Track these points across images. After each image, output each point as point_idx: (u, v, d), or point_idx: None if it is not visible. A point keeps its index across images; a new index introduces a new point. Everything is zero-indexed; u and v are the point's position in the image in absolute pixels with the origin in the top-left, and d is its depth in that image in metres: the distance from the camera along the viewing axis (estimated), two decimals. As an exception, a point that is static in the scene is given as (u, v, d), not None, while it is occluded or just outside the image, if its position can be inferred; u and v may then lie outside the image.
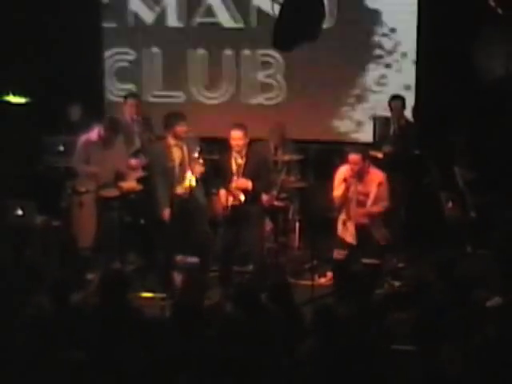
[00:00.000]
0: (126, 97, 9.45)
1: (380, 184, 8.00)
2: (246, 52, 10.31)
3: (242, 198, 7.99)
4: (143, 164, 8.85)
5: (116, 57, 10.59)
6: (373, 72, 10.03)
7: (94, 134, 8.54)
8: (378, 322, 5.89)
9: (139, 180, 8.71)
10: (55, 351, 5.10)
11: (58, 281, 6.06)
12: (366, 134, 9.89)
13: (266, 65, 10.26)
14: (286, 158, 9.23)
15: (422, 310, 6.09)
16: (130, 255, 8.77)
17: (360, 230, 7.97)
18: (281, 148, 9.31)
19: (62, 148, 9.24)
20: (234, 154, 8.05)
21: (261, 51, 10.19)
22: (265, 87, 10.30)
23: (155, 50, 10.52)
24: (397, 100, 9.23)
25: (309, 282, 8.17)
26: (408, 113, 9.45)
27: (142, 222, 8.88)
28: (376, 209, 8.03)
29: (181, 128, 8.05)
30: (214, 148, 9.36)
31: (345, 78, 10.10)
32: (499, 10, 7.59)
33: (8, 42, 9.75)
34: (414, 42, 9.69)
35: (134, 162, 8.82)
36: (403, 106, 9.25)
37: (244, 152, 7.99)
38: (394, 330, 5.66)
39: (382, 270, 8.08)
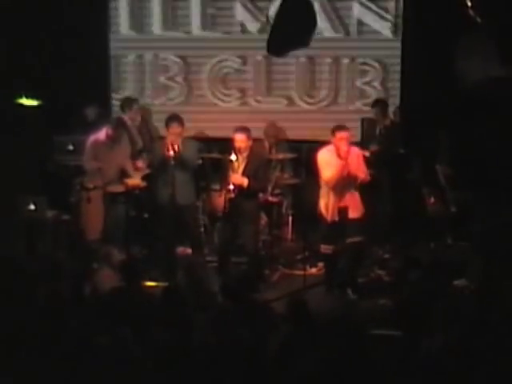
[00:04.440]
0: (125, 102, 9.40)
1: (358, 156, 7.91)
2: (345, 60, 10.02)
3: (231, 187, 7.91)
4: (146, 163, 8.83)
5: (221, 64, 10.19)
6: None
7: (102, 133, 8.57)
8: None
9: (143, 177, 8.72)
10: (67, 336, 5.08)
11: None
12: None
13: (364, 72, 9.98)
14: (280, 156, 9.26)
15: (405, 297, 6.10)
16: (134, 246, 8.77)
17: (344, 209, 7.84)
18: (275, 147, 9.34)
19: (71, 147, 9.23)
20: (237, 155, 8.01)
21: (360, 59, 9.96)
22: (363, 93, 9.97)
23: (259, 57, 10.05)
24: (379, 103, 9.25)
25: (301, 272, 8.19)
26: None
27: (146, 215, 8.87)
28: (363, 180, 7.89)
29: (173, 129, 8.06)
30: (214, 147, 9.38)
31: None
32: (478, 19, 7.57)
33: (20, 47, 9.71)
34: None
35: (139, 164, 8.79)
36: (385, 109, 9.25)
37: (246, 153, 7.97)
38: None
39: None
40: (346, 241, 7.76)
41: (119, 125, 8.62)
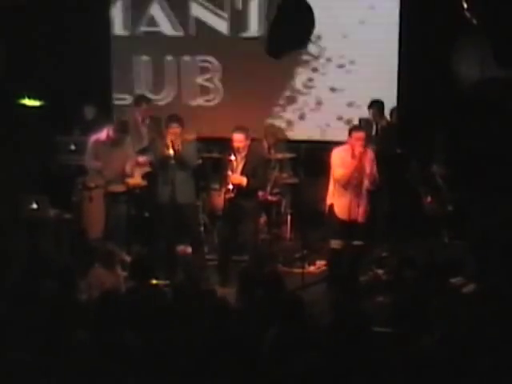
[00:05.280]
0: (137, 99, 9.41)
1: (373, 160, 7.86)
2: (186, 58, 10.28)
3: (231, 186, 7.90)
4: (149, 160, 8.82)
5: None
6: (301, 75, 10.09)
7: (104, 133, 8.56)
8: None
9: (144, 176, 8.71)
10: (65, 333, 5.05)
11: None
12: (295, 133, 10.02)
13: (204, 69, 10.24)
14: (279, 156, 9.26)
15: (402, 296, 6.08)
16: (135, 245, 8.77)
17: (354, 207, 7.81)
18: (274, 147, 9.33)
19: (73, 147, 9.24)
20: (236, 154, 7.99)
21: (199, 57, 10.20)
22: (203, 90, 10.27)
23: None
24: (375, 104, 9.21)
25: (299, 270, 8.18)
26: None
27: (147, 214, 8.86)
28: (372, 183, 7.85)
29: (173, 129, 8.03)
30: (214, 147, 9.37)
31: (276, 81, 10.12)
32: (474, 21, 7.57)
33: (24, 50, 9.69)
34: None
35: (141, 159, 8.79)
36: (382, 110, 9.22)
37: (244, 153, 7.96)
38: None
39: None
40: (351, 242, 7.76)
41: (121, 127, 8.60)
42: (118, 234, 8.45)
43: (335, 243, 7.83)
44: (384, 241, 8.88)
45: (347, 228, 7.75)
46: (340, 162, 7.76)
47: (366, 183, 7.79)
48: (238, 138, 7.91)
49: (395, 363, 4.82)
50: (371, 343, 4.88)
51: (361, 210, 7.77)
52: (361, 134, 7.74)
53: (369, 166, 7.77)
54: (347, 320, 5.04)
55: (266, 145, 9.32)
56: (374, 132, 9.21)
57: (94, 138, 8.59)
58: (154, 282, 7.73)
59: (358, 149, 7.69)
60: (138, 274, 6.17)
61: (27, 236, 8.31)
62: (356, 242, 7.71)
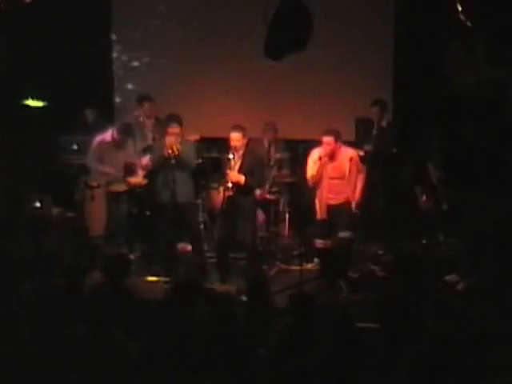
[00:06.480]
0: (141, 99, 9.41)
1: (351, 159, 7.86)
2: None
3: (229, 184, 7.94)
4: (151, 160, 8.83)
5: None
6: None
7: (108, 135, 8.57)
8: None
9: (145, 176, 8.73)
10: (65, 327, 5.07)
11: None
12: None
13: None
14: (278, 155, 9.26)
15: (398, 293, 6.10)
16: (136, 243, 8.81)
17: (333, 207, 7.90)
18: (273, 146, 9.34)
19: (75, 147, 9.26)
20: (233, 153, 8.02)
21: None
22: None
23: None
24: (377, 104, 9.19)
25: (297, 267, 8.20)
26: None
27: (148, 213, 8.89)
28: (357, 196, 7.89)
29: (172, 129, 8.04)
30: (213, 146, 9.38)
31: None
32: (468, 23, 7.58)
33: (27, 53, 9.72)
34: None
35: (144, 160, 8.79)
36: (383, 109, 9.21)
37: (242, 151, 7.97)
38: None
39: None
40: (336, 236, 7.82)
41: (124, 129, 8.62)
42: (120, 233, 8.50)
43: (319, 242, 7.94)
44: (380, 238, 8.92)
45: (329, 225, 7.84)
46: (312, 162, 7.89)
47: (353, 197, 7.86)
48: (235, 137, 7.92)
49: (389, 360, 4.85)
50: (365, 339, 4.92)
51: (335, 211, 7.83)
52: (327, 139, 7.76)
53: (346, 166, 7.80)
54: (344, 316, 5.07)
55: (265, 142, 9.33)
56: (373, 132, 9.20)
57: (98, 138, 8.61)
58: (155, 279, 7.84)
59: (323, 152, 7.78)
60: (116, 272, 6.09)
61: (30, 234, 8.34)
62: (341, 235, 7.76)
